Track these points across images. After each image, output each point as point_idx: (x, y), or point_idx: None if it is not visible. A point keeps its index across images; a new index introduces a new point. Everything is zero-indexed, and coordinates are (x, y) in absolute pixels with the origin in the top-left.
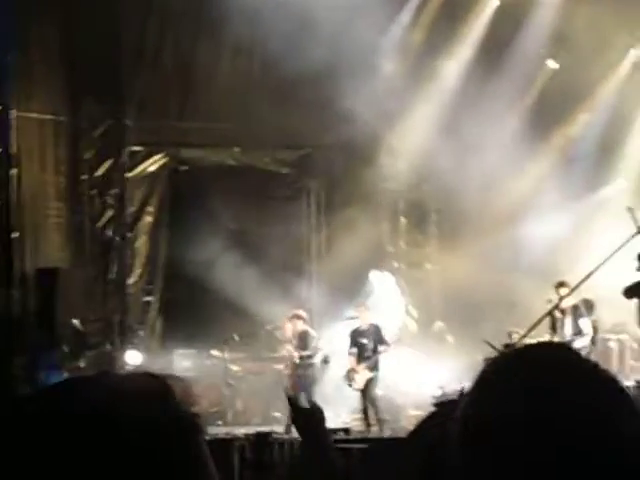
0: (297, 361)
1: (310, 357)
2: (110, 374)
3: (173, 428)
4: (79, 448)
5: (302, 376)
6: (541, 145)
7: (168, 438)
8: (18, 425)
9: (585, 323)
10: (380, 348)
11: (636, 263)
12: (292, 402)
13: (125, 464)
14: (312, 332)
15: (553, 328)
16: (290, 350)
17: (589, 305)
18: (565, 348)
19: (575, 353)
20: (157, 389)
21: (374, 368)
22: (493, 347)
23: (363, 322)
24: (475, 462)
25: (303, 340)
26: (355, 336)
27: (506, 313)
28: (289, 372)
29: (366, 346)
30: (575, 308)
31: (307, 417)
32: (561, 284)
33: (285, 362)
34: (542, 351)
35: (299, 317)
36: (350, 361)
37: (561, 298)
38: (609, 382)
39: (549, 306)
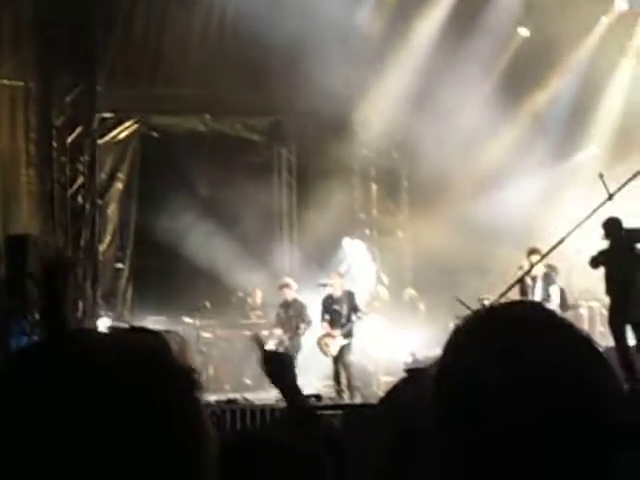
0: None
1: (303, 327)
2: (97, 330)
3: (171, 382)
4: (66, 408)
5: (289, 345)
6: (514, 111)
7: (165, 392)
8: None
9: (555, 290)
10: (356, 315)
11: (602, 232)
12: (260, 346)
13: (118, 418)
14: (303, 301)
15: (523, 294)
16: (260, 316)
17: (553, 270)
18: (539, 307)
19: (549, 311)
20: (153, 343)
21: (348, 335)
22: (466, 306)
23: (336, 289)
24: (447, 425)
25: (296, 309)
26: (329, 303)
27: (478, 280)
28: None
29: (340, 313)
30: (546, 275)
31: (277, 361)
32: (533, 251)
33: (253, 329)
34: (514, 310)
35: (288, 286)
36: (323, 328)
37: (532, 265)
38: (584, 341)
39: (520, 273)
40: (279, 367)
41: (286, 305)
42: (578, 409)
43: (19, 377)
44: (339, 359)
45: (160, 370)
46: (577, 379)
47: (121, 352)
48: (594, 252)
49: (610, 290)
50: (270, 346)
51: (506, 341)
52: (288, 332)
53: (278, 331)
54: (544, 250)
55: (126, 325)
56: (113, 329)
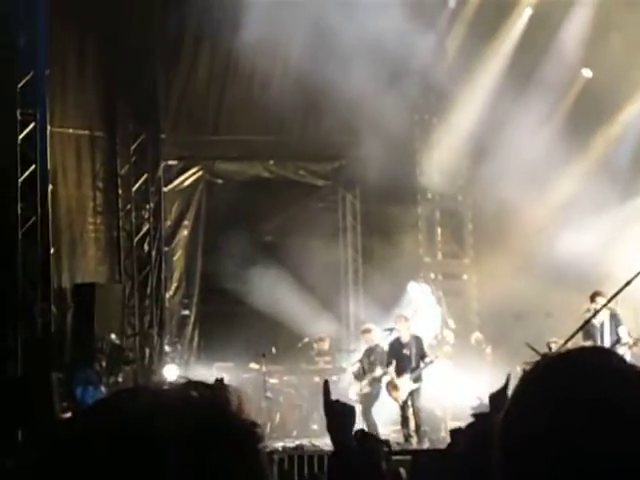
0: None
1: (382, 374)
2: (161, 385)
3: (231, 438)
4: (129, 466)
5: (368, 393)
6: (578, 152)
7: (228, 448)
8: (62, 450)
9: (623, 330)
10: (424, 361)
11: None
12: (327, 394)
13: (185, 477)
14: (383, 347)
15: (590, 338)
16: (328, 361)
17: (616, 311)
18: (608, 354)
19: (618, 358)
20: (213, 400)
21: (418, 380)
22: (535, 350)
23: (404, 334)
24: (515, 473)
25: (377, 355)
26: (396, 348)
27: (545, 323)
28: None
29: (409, 358)
30: (613, 316)
31: (339, 412)
32: (597, 294)
33: (320, 375)
34: (583, 358)
35: (370, 331)
36: (390, 373)
37: (601, 306)
38: None
39: (587, 315)
40: (339, 418)
41: (369, 351)
42: None
43: (81, 437)
44: (408, 404)
45: (220, 427)
46: None
47: (179, 411)
48: None
49: None
50: (348, 393)
51: (572, 391)
52: (370, 374)
53: (356, 382)
54: (609, 292)
55: (185, 379)
56: (172, 385)
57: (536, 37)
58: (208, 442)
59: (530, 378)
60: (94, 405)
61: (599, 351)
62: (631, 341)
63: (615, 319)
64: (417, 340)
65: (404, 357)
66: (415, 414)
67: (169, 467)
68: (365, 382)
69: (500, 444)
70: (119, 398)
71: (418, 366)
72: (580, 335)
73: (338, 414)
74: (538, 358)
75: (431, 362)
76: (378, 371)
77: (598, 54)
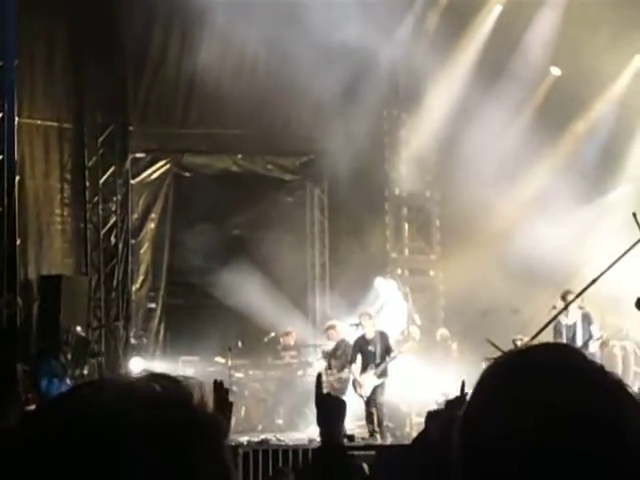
0: (336, 374)
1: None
2: (124, 378)
3: (196, 432)
4: (95, 461)
5: (337, 389)
6: (546, 151)
7: (192, 442)
8: (25, 444)
9: (595, 328)
10: (389, 356)
11: None
12: (319, 387)
13: (148, 472)
14: (350, 341)
15: (557, 335)
16: (294, 356)
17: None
18: (569, 350)
19: (580, 355)
20: (178, 392)
21: (382, 375)
22: (496, 347)
23: (368, 331)
24: (476, 472)
25: (343, 350)
26: (361, 344)
27: (511, 319)
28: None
29: (374, 354)
30: (585, 316)
31: (329, 405)
32: (567, 292)
33: (286, 369)
34: (544, 354)
35: (334, 327)
36: (355, 369)
37: (567, 304)
38: (616, 386)
39: (554, 312)
40: (330, 411)
41: (336, 346)
42: (609, 460)
43: (45, 431)
44: (372, 399)
45: (184, 421)
46: (609, 427)
47: (144, 405)
48: (634, 292)
49: None
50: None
51: (533, 390)
52: (337, 374)
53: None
54: (577, 290)
55: (148, 372)
56: (137, 378)
57: (505, 34)
58: (172, 436)
59: (490, 375)
60: (58, 398)
61: (560, 348)
62: (604, 336)
63: (587, 318)
64: (382, 336)
65: (369, 353)
66: (378, 409)
67: (133, 461)
68: (331, 378)
69: (460, 443)
70: (83, 391)
71: (383, 361)
72: (546, 332)
73: (329, 407)
74: (499, 354)
75: (394, 357)
76: (343, 370)
77: (566, 52)
